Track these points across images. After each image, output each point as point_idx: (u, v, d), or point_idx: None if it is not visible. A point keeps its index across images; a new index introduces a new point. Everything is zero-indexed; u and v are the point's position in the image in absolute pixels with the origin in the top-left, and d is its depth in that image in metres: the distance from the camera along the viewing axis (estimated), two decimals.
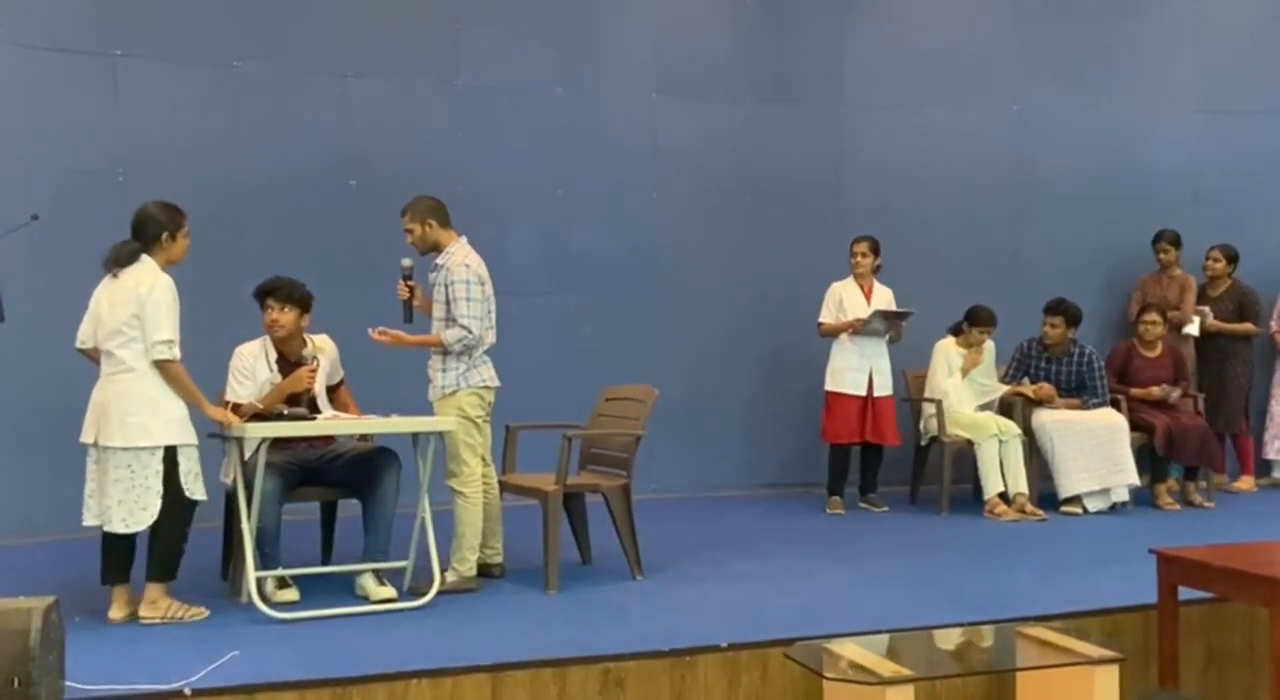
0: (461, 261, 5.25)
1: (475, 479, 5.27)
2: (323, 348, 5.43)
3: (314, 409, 5.28)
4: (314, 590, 5.06)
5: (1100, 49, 8.68)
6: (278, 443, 5.06)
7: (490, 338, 5.36)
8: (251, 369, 5.28)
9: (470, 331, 5.16)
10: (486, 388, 5.31)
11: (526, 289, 7.12)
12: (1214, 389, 8.11)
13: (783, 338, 7.88)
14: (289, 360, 5.33)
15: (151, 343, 4.56)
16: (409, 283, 5.43)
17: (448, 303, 5.22)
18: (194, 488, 4.67)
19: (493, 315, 5.38)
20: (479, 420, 5.31)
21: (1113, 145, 8.65)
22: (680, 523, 6.85)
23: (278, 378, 5.26)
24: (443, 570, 5.08)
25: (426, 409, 5.30)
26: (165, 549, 4.67)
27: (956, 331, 7.60)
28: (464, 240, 5.37)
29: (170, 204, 4.80)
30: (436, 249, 5.34)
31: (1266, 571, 4.23)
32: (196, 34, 6.96)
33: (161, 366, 4.59)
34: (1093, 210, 8.56)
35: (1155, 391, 7.63)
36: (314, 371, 5.27)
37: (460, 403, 5.23)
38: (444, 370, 5.26)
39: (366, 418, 5.26)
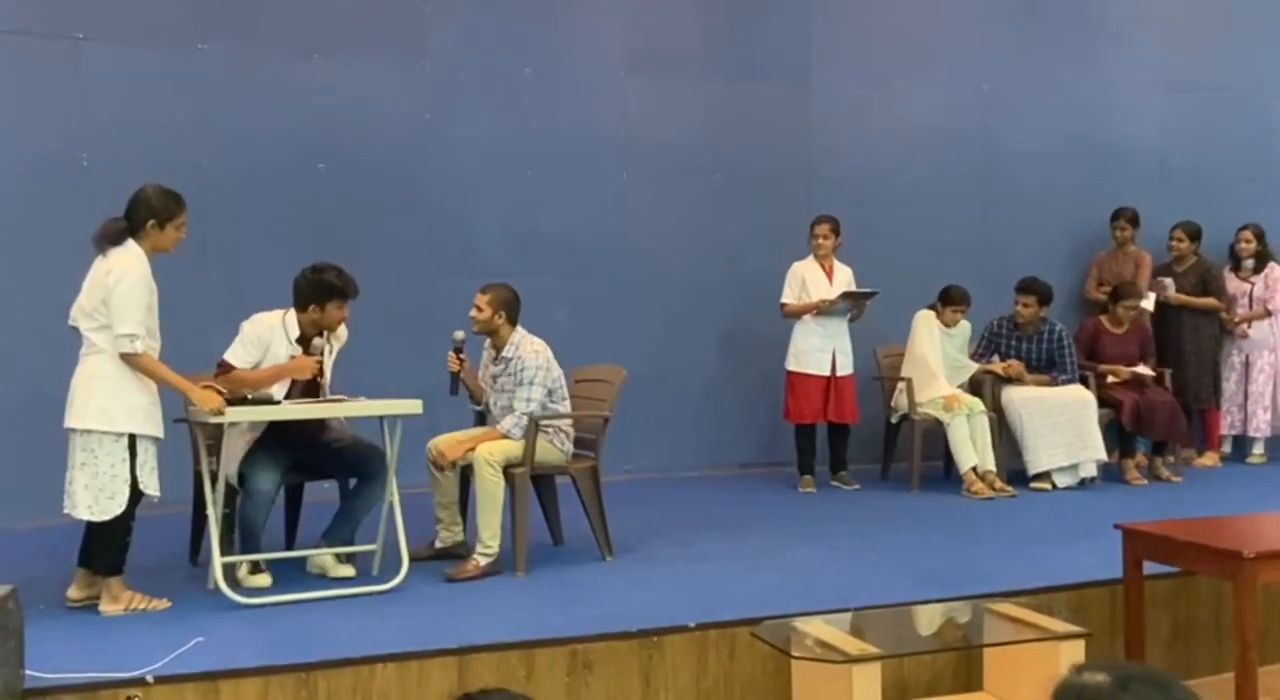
0: (531, 349, 5.34)
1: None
2: (339, 335, 5.28)
3: (316, 393, 5.14)
4: (280, 575, 5.01)
5: (1068, 27, 8.65)
6: (275, 432, 4.97)
7: None
8: (267, 341, 5.05)
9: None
10: None
11: (494, 270, 6.96)
12: (1179, 364, 8.13)
13: (755, 318, 7.83)
14: (308, 339, 5.15)
15: (115, 335, 4.45)
16: (460, 356, 5.43)
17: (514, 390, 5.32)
18: (148, 481, 4.50)
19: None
20: None
21: (1081, 123, 8.63)
22: (652, 504, 6.83)
23: (298, 353, 5.09)
24: (471, 553, 5.15)
25: (392, 392, 5.24)
26: (106, 541, 4.51)
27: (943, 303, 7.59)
28: (522, 330, 5.44)
29: (170, 192, 4.64)
30: (493, 336, 5.42)
31: (1230, 545, 4.24)
32: (160, 16, 6.85)
33: (127, 360, 4.45)
34: (1061, 188, 8.56)
35: (1124, 372, 7.63)
36: (320, 362, 5.13)
37: None
38: None
39: (334, 401, 5.14)
